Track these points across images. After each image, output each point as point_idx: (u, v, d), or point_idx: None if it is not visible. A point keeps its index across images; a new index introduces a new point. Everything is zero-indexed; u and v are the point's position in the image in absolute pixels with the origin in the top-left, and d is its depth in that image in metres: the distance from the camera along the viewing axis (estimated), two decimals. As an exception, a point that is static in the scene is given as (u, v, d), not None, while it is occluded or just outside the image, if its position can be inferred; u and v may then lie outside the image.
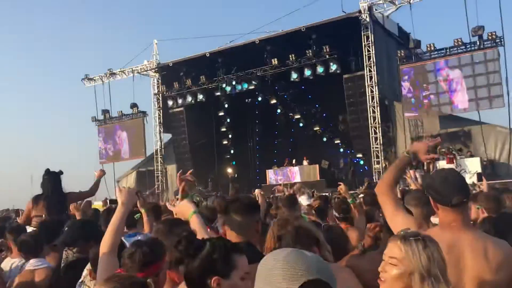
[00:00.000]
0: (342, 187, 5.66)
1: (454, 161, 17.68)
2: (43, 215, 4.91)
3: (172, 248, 2.26)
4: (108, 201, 9.69)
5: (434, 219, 3.00)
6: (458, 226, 2.25)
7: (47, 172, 5.21)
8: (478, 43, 17.76)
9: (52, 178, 5.18)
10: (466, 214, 2.36)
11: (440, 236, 2.12)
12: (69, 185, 5.77)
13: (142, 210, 4.07)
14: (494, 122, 18.62)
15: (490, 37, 17.45)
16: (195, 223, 2.56)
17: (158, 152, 26.20)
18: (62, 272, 3.23)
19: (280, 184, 17.13)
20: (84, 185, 6.11)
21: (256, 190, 6.45)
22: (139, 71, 26.02)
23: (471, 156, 18.10)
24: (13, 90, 61.29)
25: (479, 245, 2.19)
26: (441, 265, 1.84)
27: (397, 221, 2.41)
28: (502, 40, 17.33)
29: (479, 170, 17.06)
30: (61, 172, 5.32)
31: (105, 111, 27.24)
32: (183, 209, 2.68)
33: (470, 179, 16.07)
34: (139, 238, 3.06)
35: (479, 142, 18.29)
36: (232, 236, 2.38)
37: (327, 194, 11.63)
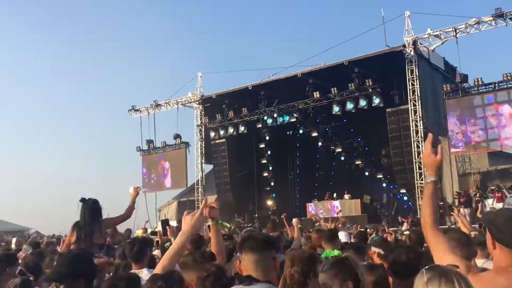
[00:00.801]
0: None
1: (504, 199, 16.86)
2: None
3: (199, 281, 2.23)
4: (149, 232, 9.78)
5: (478, 261, 2.82)
6: None
7: (81, 200, 5.30)
8: (529, 78, 17.14)
9: (86, 206, 5.24)
10: None
11: (494, 281, 2.03)
12: (111, 214, 5.84)
13: (172, 239, 4.07)
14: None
15: (542, 72, 16.81)
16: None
17: (199, 183, 26.47)
18: None
19: (316, 215, 16.68)
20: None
21: (294, 220, 6.33)
22: (183, 103, 26.71)
23: (525, 194, 17.20)
24: (68, 117, 64.38)
25: None
26: None
27: (445, 262, 2.25)
28: (555, 74, 16.66)
29: (532, 210, 16.15)
30: (96, 200, 5.34)
31: (149, 141, 27.98)
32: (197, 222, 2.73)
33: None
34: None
35: (531, 181, 17.38)
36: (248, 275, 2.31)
37: (364, 230, 11.27)
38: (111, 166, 62.39)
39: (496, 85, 18.00)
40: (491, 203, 17.00)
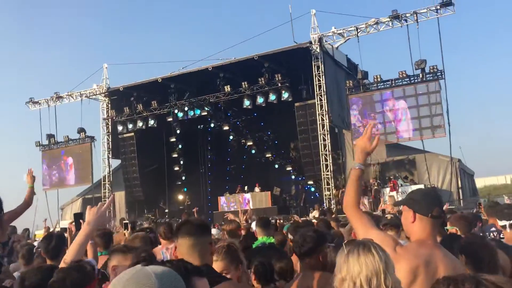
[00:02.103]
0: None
1: (397, 188, 18.25)
2: None
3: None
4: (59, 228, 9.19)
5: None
6: (431, 244, 2.34)
7: None
8: (421, 76, 18.71)
9: None
10: (438, 230, 2.49)
11: (417, 251, 2.25)
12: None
13: None
14: (436, 151, 19.52)
15: (431, 70, 18.46)
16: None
17: (106, 178, 25.36)
18: None
19: (229, 212, 16.94)
20: (26, 212, 5.72)
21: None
22: (88, 95, 25.34)
23: (414, 183, 18.74)
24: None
25: (449, 261, 2.31)
26: (374, 273, 1.78)
27: (371, 237, 2.22)
28: (442, 73, 18.38)
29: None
30: None
31: (50, 136, 26.21)
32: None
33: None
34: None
35: (423, 170, 19.04)
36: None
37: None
38: (6, 163, 57.51)
39: (393, 82, 19.43)
40: (388, 192, 18.34)
